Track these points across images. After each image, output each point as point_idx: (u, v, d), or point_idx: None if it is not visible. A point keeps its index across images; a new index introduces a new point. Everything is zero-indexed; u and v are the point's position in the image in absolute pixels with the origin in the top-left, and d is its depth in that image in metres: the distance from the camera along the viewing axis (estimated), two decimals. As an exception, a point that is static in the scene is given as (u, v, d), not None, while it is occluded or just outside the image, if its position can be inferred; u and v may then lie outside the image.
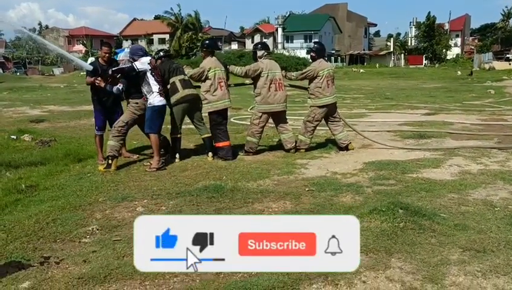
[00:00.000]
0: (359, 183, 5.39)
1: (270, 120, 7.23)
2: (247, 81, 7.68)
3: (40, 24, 74.54)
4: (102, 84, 6.35)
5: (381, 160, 6.52)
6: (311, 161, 6.71)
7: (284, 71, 7.35)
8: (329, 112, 7.26)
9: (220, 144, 6.82)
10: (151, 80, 6.27)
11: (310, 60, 7.64)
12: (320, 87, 7.10)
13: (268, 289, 2.90)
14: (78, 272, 3.28)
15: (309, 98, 7.27)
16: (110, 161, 6.26)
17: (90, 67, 6.61)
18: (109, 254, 3.57)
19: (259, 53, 7.17)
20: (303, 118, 7.63)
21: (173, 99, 6.63)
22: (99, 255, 3.56)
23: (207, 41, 7.44)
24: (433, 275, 3.07)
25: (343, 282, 2.99)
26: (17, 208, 4.78)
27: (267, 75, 6.92)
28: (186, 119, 6.97)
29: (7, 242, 3.84)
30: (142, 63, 6.25)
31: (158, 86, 6.31)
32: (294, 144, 7.21)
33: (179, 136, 6.79)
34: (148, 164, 6.42)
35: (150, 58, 6.47)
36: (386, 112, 12.92)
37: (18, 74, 46.80)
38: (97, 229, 4.12)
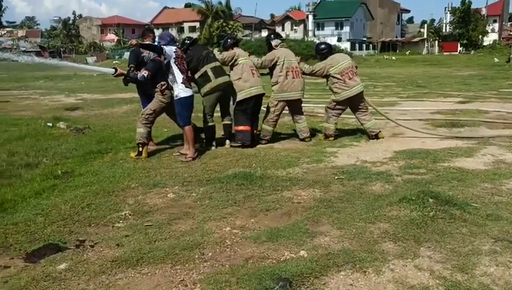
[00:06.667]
0: (389, 172, 5.34)
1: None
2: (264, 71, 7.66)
3: (74, 13, 76.43)
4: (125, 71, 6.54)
5: (412, 149, 6.43)
6: (341, 149, 6.68)
7: (298, 57, 7.27)
8: (354, 103, 7.18)
9: (240, 128, 6.84)
10: (175, 69, 6.23)
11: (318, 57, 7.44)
12: (337, 83, 7.01)
13: (296, 275, 2.92)
14: (112, 256, 3.38)
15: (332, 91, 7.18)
16: (140, 149, 6.38)
17: (112, 71, 6.70)
18: (141, 238, 3.67)
19: (274, 42, 7.16)
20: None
21: (206, 88, 6.64)
22: (132, 240, 3.66)
23: (223, 41, 7.34)
24: (463, 265, 3.03)
25: (371, 269, 2.99)
26: (54, 193, 4.95)
27: (283, 63, 6.90)
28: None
29: (45, 225, 4.00)
30: (168, 51, 6.24)
31: (182, 76, 6.27)
32: (309, 133, 7.23)
33: (212, 124, 6.84)
34: (178, 153, 6.50)
35: (176, 48, 6.42)
36: (418, 100, 12.69)
37: (53, 62, 47.90)
38: (129, 215, 4.23)
